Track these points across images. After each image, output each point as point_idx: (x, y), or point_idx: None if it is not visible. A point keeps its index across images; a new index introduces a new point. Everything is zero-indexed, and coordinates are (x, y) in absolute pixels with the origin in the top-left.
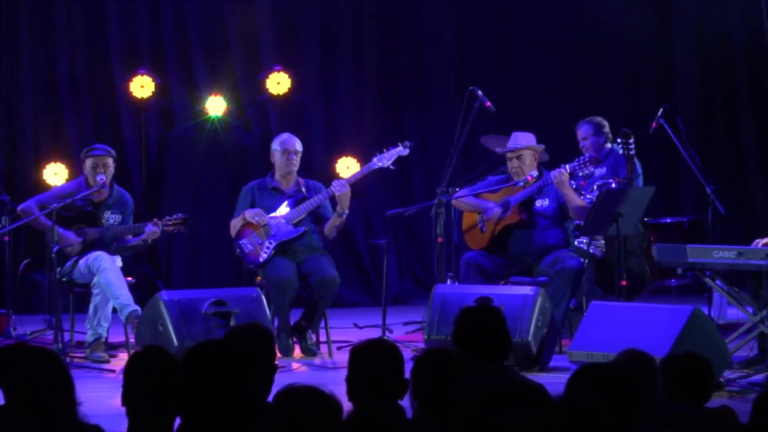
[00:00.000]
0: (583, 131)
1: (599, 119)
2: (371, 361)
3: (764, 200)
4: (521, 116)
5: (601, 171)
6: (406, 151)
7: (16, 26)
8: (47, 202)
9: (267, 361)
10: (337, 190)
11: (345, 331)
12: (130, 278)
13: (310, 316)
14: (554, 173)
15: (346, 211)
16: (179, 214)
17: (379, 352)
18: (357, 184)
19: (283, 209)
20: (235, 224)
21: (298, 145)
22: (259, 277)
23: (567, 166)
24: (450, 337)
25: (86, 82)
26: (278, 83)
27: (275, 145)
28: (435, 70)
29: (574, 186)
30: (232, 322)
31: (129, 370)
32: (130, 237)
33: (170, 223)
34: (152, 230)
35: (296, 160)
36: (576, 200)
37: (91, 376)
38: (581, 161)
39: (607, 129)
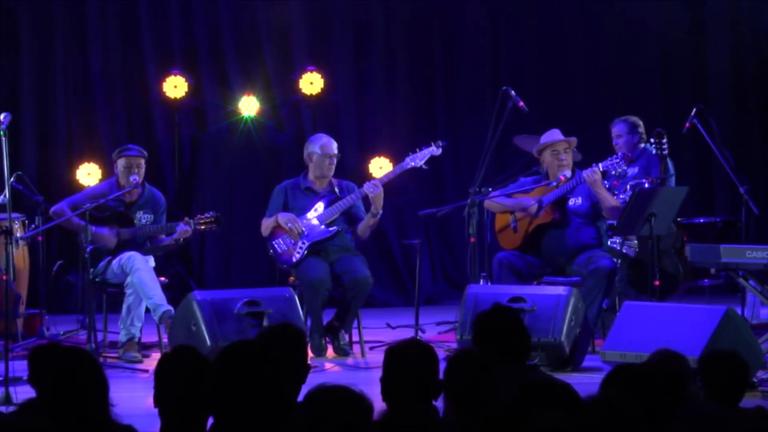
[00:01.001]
0: (617, 129)
1: (634, 118)
2: (406, 362)
3: None
4: (554, 116)
5: (633, 171)
6: (439, 151)
7: (49, 27)
8: (79, 203)
9: (299, 362)
10: (370, 191)
11: (377, 331)
12: (163, 278)
13: (343, 316)
14: (587, 172)
15: (380, 212)
16: (211, 212)
17: (414, 352)
18: (389, 184)
19: (317, 209)
20: (268, 224)
21: (337, 149)
22: (292, 278)
23: (600, 165)
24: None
25: (119, 82)
26: (311, 83)
27: (315, 148)
28: (468, 70)
29: (607, 186)
30: (265, 323)
31: (159, 371)
32: (163, 237)
33: (202, 221)
34: (184, 229)
35: (334, 164)
36: (609, 199)
37: (124, 376)
38: (614, 160)
39: (641, 129)
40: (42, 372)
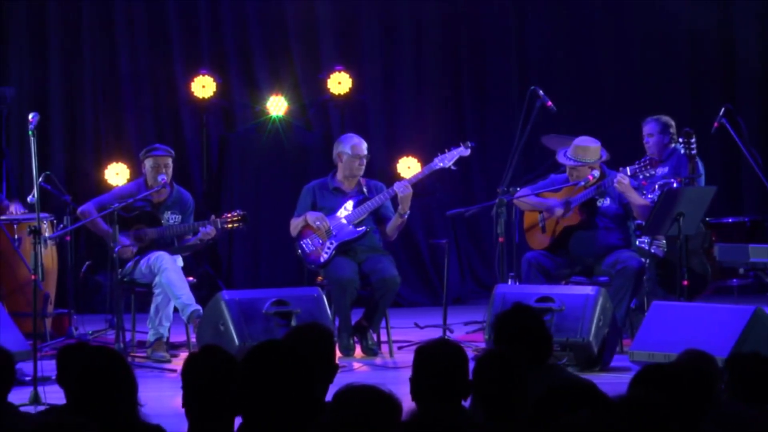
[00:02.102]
0: (649, 128)
1: (666, 118)
2: (436, 362)
3: None
4: (582, 116)
5: (663, 170)
6: (468, 152)
7: (77, 27)
8: (107, 203)
9: (327, 361)
10: (400, 192)
11: (406, 331)
12: (191, 278)
13: (371, 315)
14: (615, 179)
15: (407, 212)
16: (238, 211)
17: (445, 352)
18: (418, 184)
19: (345, 209)
20: (296, 224)
21: (367, 150)
22: (320, 277)
23: (628, 169)
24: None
25: (147, 82)
26: (339, 83)
27: (345, 148)
28: (496, 70)
29: (635, 185)
30: (293, 322)
31: (187, 370)
32: (190, 236)
33: (229, 219)
34: (205, 231)
35: (364, 165)
36: (639, 200)
37: (152, 375)
38: (641, 164)
39: (673, 129)
40: (70, 372)
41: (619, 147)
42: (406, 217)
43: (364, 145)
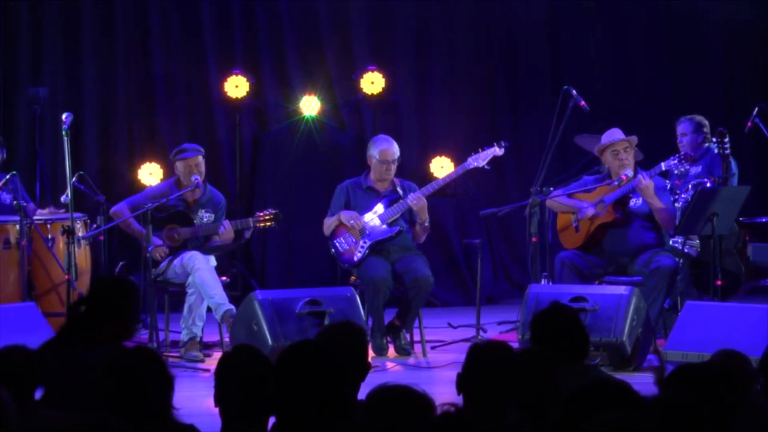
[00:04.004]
0: (682, 128)
1: (700, 118)
2: (488, 361)
3: None
4: (616, 115)
5: (697, 170)
6: (502, 152)
7: (111, 27)
8: (139, 203)
9: (360, 360)
10: (412, 204)
11: (439, 331)
12: (224, 277)
13: (404, 315)
14: (642, 181)
15: (427, 220)
16: (270, 210)
17: (498, 353)
18: (451, 184)
19: (378, 209)
20: (330, 223)
21: (397, 153)
22: (353, 277)
23: (663, 165)
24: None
25: (181, 82)
26: (372, 83)
27: (374, 152)
28: (529, 70)
29: (669, 185)
30: (326, 322)
31: (220, 370)
32: (216, 238)
33: (261, 218)
34: (222, 231)
35: (394, 168)
36: (659, 204)
37: (185, 375)
38: (674, 160)
39: (707, 128)
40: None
41: (652, 147)
42: (427, 225)
43: (393, 149)
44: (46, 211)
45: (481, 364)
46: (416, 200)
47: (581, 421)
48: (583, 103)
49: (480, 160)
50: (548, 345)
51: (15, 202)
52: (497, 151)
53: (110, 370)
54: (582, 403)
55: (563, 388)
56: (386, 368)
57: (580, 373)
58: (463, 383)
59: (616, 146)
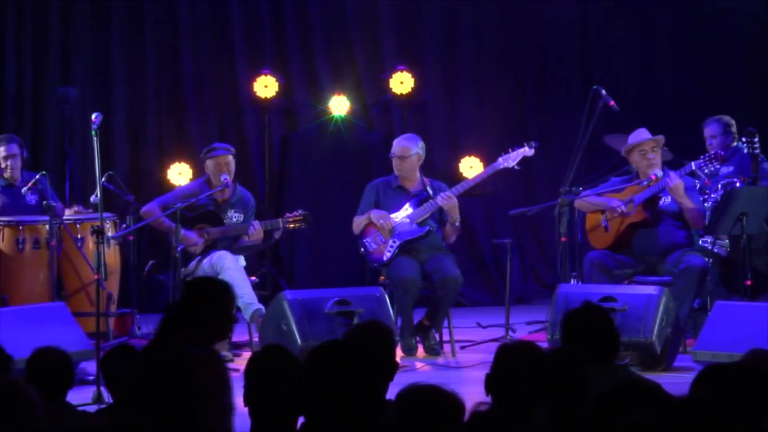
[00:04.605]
0: (711, 129)
1: (727, 118)
2: (516, 361)
3: None
4: (645, 115)
5: (728, 169)
6: (532, 152)
7: (140, 27)
8: (170, 203)
9: (387, 359)
10: (441, 203)
11: (468, 331)
12: (253, 277)
13: (433, 315)
14: (671, 182)
15: (458, 220)
16: (300, 210)
17: (527, 353)
18: (480, 184)
19: (408, 208)
20: (359, 222)
21: (405, 150)
22: (382, 277)
23: (693, 164)
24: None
25: (210, 82)
26: (401, 83)
27: (391, 149)
28: (558, 69)
29: (698, 185)
30: (355, 322)
31: (250, 370)
32: (245, 238)
33: (291, 219)
34: (251, 232)
35: (404, 164)
36: (689, 204)
37: None
38: (706, 158)
39: (734, 128)
40: (125, 372)
41: (681, 146)
42: (457, 224)
43: (404, 144)
44: (72, 210)
45: (510, 364)
46: (446, 199)
47: (612, 421)
48: (612, 102)
49: (510, 160)
50: (579, 344)
51: (44, 203)
52: (527, 151)
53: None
54: (613, 403)
55: (593, 387)
56: (415, 368)
57: (610, 372)
58: (491, 383)
59: (644, 146)
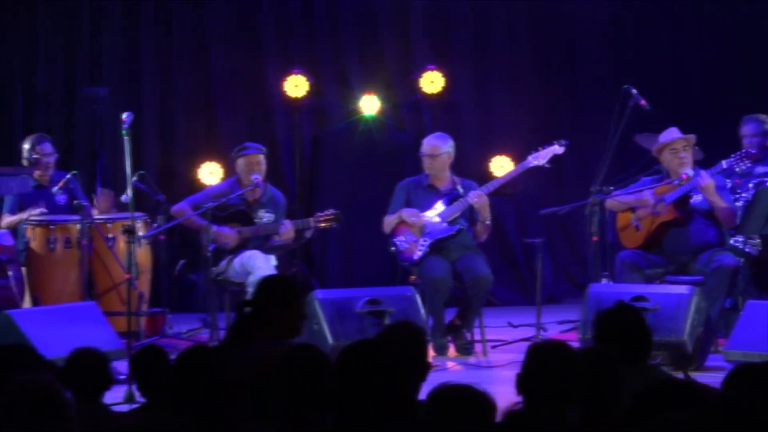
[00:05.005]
0: (749, 129)
1: (764, 117)
2: (547, 360)
3: None
4: (676, 114)
5: (763, 169)
6: (562, 150)
7: (170, 27)
8: (200, 202)
9: (419, 359)
10: (474, 201)
11: (499, 330)
12: None
13: (465, 314)
14: (702, 181)
15: (488, 218)
16: (330, 210)
17: (558, 352)
18: (510, 182)
19: (438, 207)
20: (390, 221)
21: (435, 149)
22: (413, 276)
23: (724, 162)
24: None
25: (240, 81)
26: (432, 82)
27: (421, 148)
28: (589, 68)
29: (730, 185)
30: (387, 322)
31: (280, 369)
32: (276, 237)
33: (321, 218)
34: (284, 231)
35: (435, 163)
36: (721, 203)
37: None
38: (737, 157)
39: None
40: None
41: (712, 145)
42: (488, 223)
43: (435, 143)
44: (98, 210)
45: (540, 364)
46: (477, 197)
47: (644, 421)
48: (643, 102)
49: (540, 158)
50: (611, 344)
51: (75, 202)
52: (557, 149)
53: (168, 370)
54: (646, 402)
55: (625, 387)
56: (447, 368)
57: (642, 372)
58: (522, 383)
59: (675, 145)
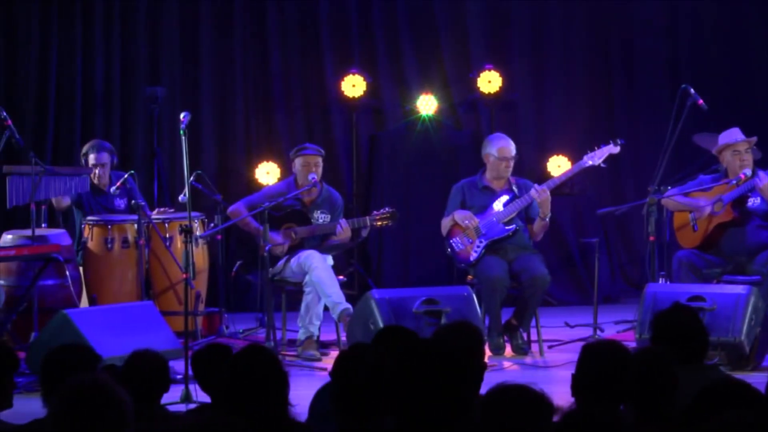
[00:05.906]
0: None
1: None
2: (601, 361)
3: None
4: (734, 114)
5: None
6: (617, 149)
7: (229, 27)
8: (257, 202)
9: (476, 360)
10: (537, 197)
11: (556, 330)
12: (341, 277)
13: (521, 314)
14: (761, 181)
15: (548, 215)
16: (387, 208)
17: (612, 353)
18: (567, 182)
19: (495, 208)
20: (446, 224)
21: (514, 151)
22: (470, 276)
23: None
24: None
25: (298, 81)
26: (489, 82)
27: (492, 150)
28: (646, 68)
29: None
30: (443, 321)
31: (337, 369)
32: (333, 237)
33: (378, 217)
34: (340, 231)
35: (512, 165)
36: None
37: (302, 374)
38: None
39: None
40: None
41: None
42: (547, 220)
43: (511, 147)
44: (155, 211)
45: (594, 365)
46: (540, 193)
47: (702, 421)
48: (701, 101)
49: (596, 158)
50: (669, 344)
51: (132, 202)
52: (613, 148)
53: (226, 369)
54: (704, 402)
55: (682, 388)
56: (503, 368)
57: (700, 373)
58: (577, 384)
59: (738, 146)
